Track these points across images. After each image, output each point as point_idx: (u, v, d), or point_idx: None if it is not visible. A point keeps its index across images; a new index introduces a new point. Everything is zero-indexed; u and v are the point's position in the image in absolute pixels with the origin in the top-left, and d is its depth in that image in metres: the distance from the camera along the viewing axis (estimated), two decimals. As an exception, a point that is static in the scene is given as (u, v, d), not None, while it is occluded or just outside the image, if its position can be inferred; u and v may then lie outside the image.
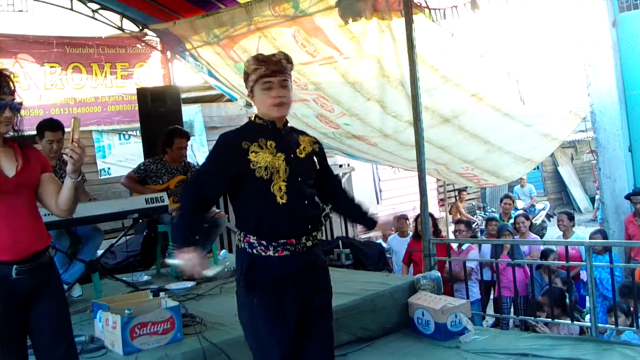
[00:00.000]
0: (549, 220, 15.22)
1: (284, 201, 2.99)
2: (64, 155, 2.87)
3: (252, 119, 3.15)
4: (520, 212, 13.32)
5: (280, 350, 2.98)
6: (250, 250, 3.02)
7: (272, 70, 3.00)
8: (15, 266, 2.81)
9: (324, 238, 8.70)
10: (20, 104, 2.89)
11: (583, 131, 9.78)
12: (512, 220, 9.99)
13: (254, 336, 3.07)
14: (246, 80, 3.09)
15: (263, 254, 3.00)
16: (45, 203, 3.05)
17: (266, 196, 2.98)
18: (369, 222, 3.45)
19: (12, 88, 2.85)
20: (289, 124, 3.21)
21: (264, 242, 2.99)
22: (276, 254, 2.99)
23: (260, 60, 3.03)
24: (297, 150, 3.13)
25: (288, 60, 3.09)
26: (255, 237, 3.01)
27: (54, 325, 2.94)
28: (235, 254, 3.16)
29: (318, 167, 3.18)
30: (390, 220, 3.35)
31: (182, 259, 2.92)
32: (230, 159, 3.02)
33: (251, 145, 3.01)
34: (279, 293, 2.99)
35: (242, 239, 3.06)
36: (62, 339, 2.98)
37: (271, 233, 2.99)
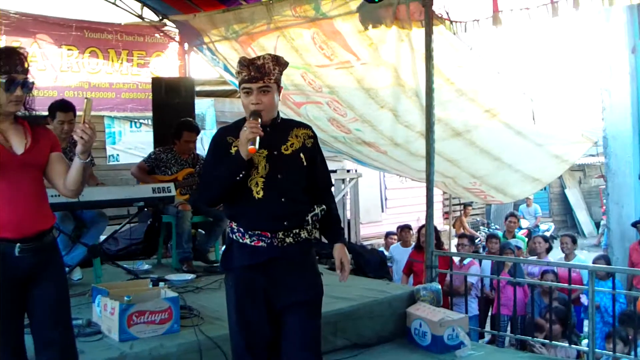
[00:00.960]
0: (552, 242, 15.17)
1: (259, 196, 3.06)
2: (74, 136, 2.81)
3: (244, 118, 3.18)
4: (524, 231, 13.34)
5: (242, 337, 3.08)
6: (231, 235, 3.16)
7: (251, 76, 3.02)
8: (18, 244, 2.81)
9: (320, 238, 8.65)
10: (32, 83, 2.88)
11: (593, 155, 9.77)
12: (515, 240, 9.97)
13: (228, 319, 3.18)
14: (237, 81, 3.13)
15: (240, 240, 3.10)
16: (53, 182, 3.04)
17: (243, 190, 3.06)
18: (332, 240, 3.35)
19: (26, 67, 2.85)
20: (280, 119, 3.21)
21: (242, 230, 3.10)
22: (252, 243, 3.08)
23: (243, 64, 3.05)
24: (283, 146, 3.14)
25: (277, 62, 3.10)
26: (235, 224, 3.14)
27: (52, 307, 2.92)
28: None
29: (305, 163, 3.16)
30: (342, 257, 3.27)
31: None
32: (218, 153, 3.15)
33: (235, 140, 3.07)
34: (250, 280, 3.07)
35: (228, 223, 3.20)
36: (59, 322, 2.95)
37: (247, 224, 3.09)
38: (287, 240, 3.09)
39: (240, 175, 3.00)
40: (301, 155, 3.15)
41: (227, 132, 3.17)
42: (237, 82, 3.11)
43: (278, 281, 3.09)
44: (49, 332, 2.91)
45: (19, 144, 2.88)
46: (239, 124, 3.10)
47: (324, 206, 3.24)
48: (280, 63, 3.10)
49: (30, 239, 2.84)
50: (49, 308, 2.91)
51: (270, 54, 3.13)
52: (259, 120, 2.99)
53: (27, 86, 2.84)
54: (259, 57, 3.07)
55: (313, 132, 3.31)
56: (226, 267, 3.19)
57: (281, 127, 3.19)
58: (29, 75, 2.88)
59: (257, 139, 2.92)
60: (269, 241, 3.06)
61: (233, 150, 3.07)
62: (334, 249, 3.30)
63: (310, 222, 3.16)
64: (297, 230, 3.12)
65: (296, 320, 3.11)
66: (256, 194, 3.06)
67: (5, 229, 2.79)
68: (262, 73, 3.02)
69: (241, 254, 3.10)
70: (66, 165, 3.02)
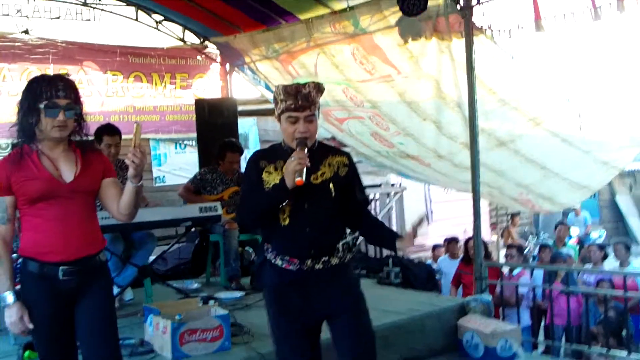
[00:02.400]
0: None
1: (285, 224, 3.09)
2: (125, 160, 2.84)
3: (278, 142, 3.23)
4: (575, 239, 13.08)
5: (283, 351, 3.15)
6: (265, 253, 3.19)
7: (298, 105, 3.02)
8: (61, 267, 2.85)
9: (367, 253, 8.60)
10: (78, 108, 2.88)
11: (643, 161, 9.55)
12: (566, 248, 9.79)
13: (271, 335, 3.23)
14: (275, 105, 3.12)
15: (273, 260, 3.14)
16: (107, 207, 3.07)
17: (273, 214, 3.11)
18: (389, 245, 3.39)
19: (69, 93, 2.85)
20: (317, 145, 3.19)
21: (274, 252, 3.14)
22: (282, 265, 3.11)
23: (289, 93, 3.03)
24: (313, 176, 3.11)
25: (319, 89, 3.10)
26: (268, 245, 3.18)
27: (95, 327, 2.94)
28: None
29: (334, 194, 3.13)
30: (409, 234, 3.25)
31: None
32: (252, 175, 3.18)
33: (268, 165, 3.13)
34: (283, 296, 3.12)
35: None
36: (104, 341, 2.96)
37: (276, 248, 3.14)
38: (317, 266, 3.10)
39: (284, 204, 3.05)
40: (331, 186, 3.13)
41: (261, 157, 3.21)
42: (277, 108, 3.09)
43: (310, 297, 3.10)
44: (94, 351, 2.94)
45: (68, 172, 2.91)
46: (275, 148, 3.19)
47: (357, 234, 3.28)
48: (320, 90, 3.12)
49: (75, 262, 2.87)
50: (92, 327, 2.93)
51: (313, 82, 3.12)
52: (306, 150, 3.01)
53: (71, 111, 2.84)
54: (304, 86, 3.05)
55: (349, 159, 3.28)
56: (260, 284, 3.31)
57: (316, 154, 3.15)
58: (77, 102, 2.88)
59: (304, 170, 2.94)
60: (297, 267, 3.09)
61: (265, 175, 3.11)
62: (399, 246, 3.30)
63: (341, 249, 3.16)
64: (327, 258, 3.12)
65: (340, 325, 3.14)
66: (282, 220, 3.09)
67: (51, 253, 2.84)
68: (309, 102, 3.04)
69: (272, 273, 3.14)
70: (119, 189, 3.05)
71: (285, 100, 3.03)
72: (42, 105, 2.79)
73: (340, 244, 3.16)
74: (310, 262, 3.08)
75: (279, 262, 3.11)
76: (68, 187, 2.88)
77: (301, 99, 3.02)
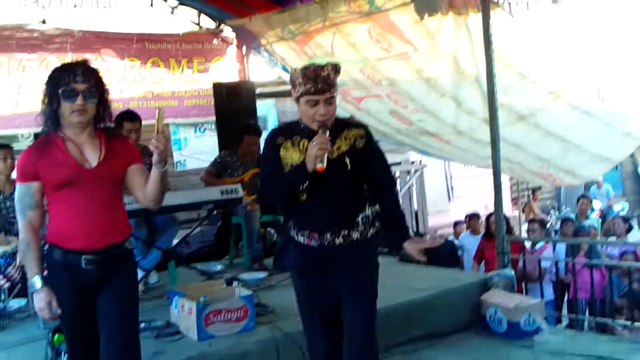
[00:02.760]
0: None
1: (303, 199, 3.13)
2: (149, 146, 2.82)
3: (294, 120, 3.25)
4: (597, 213, 12.99)
5: (310, 328, 3.29)
6: (289, 232, 3.26)
7: (318, 89, 3.02)
8: (84, 256, 2.86)
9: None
10: (94, 94, 2.87)
11: (665, 130, 9.42)
12: (588, 221, 9.74)
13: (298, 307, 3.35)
14: (292, 87, 3.12)
15: (295, 237, 3.22)
16: (134, 194, 3.08)
17: None
18: (397, 239, 3.28)
19: (87, 78, 2.84)
20: (335, 121, 3.17)
21: (295, 228, 3.21)
22: (304, 242, 3.18)
23: (308, 76, 3.02)
24: (334, 147, 3.12)
25: (336, 70, 3.09)
26: (291, 222, 3.25)
27: (115, 317, 2.93)
28: None
29: (349, 167, 3.12)
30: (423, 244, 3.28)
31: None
32: (270, 154, 3.22)
33: (285, 141, 3.16)
34: (306, 277, 3.24)
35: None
36: (120, 331, 2.94)
37: (297, 223, 3.21)
38: (337, 240, 3.14)
39: (304, 185, 3.09)
40: (346, 159, 3.13)
41: (278, 133, 3.23)
42: (295, 91, 3.09)
43: (330, 275, 3.17)
44: (109, 342, 2.92)
45: (92, 157, 2.91)
46: (292, 126, 3.21)
47: (377, 207, 3.24)
48: (338, 70, 3.11)
49: (98, 251, 2.88)
50: (112, 318, 2.93)
51: (330, 63, 3.11)
52: (327, 133, 3.02)
53: (91, 96, 2.85)
54: (322, 68, 3.04)
55: (367, 130, 3.27)
56: (282, 263, 3.41)
57: (334, 130, 3.15)
58: (98, 87, 2.89)
59: (325, 155, 2.97)
60: (318, 242, 3.15)
61: (282, 152, 3.15)
62: (406, 248, 3.24)
63: (360, 223, 3.17)
64: (347, 232, 3.14)
65: (348, 312, 3.18)
66: (301, 196, 3.13)
67: (74, 239, 2.86)
68: (328, 84, 3.04)
69: (295, 252, 3.22)
70: (146, 176, 3.03)
71: (305, 83, 3.02)
72: (60, 91, 2.81)
73: (360, 217, 3.17)
74: (330, 235, 3.12)
75: (300, 238, 3.18)
76: (92, 173, 2.89)
77: (320, 82, 3.02)
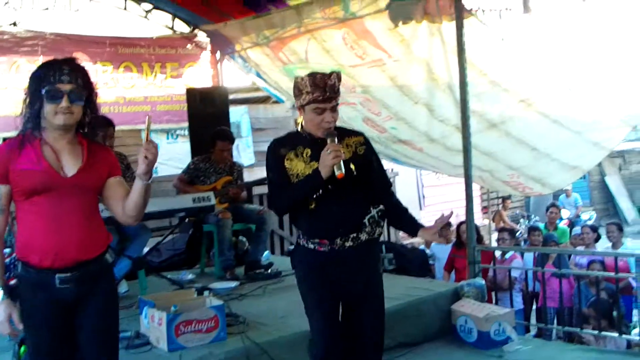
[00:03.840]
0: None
1: (312, 207, 3.20)
2: (138, 157, 2.63)
3: (298, 128, 3.31)
4: (566, 221, 13.13)
5: (319, 330, 3.30)
6: (298, 240, 3.38)
7: (326, 97, 3.10)
8: (57, 275, 2.64)
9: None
10: (81, 95, 2.67)
11: (632, 140, 9.57)
12: (559, 230, 9.82)
13: (305, 307, 3.39)
14: (297, 95, 3.18)
15: (305, 245, 3.31)
16: (112, 208, 2.85)
17: None
18: (411, 229, 3.45)
19: (74, 78, 2.64)
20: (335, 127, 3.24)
21: (305, 237, 3.31)
22: (315, 248, 3.26)
23: (317, 84, 3.09)
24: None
25: (339, 78, 3.18)
26: (299, 231, 3.37)
27: (97, 337, 2.76)
28: None
29: (355, 173, 3.19)
30: (434, 227, 3.33)
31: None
32: (275, 165, 3.27)
33: (288, 152, 3.24)
34: (317, 271, 3.28)
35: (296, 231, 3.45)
36: (104, 351, 2.80)
37: (306, 232, 3.30)
38: (347, 244, 3.22)
39: (319, 193, 3.15)
40: (351, 165, 3.19)
41: (280, 144, 3.30)
42: (301, 99, 3.15)
43: (340, 278, 3.25)
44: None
45: (71, 165, 2.70)
46: (293, 136, 3.31)
47: (381, 206, 3.34)
48: (340, 79, 3.19)
49: (72, 268, 2.66)
50: (94, 337, 2.76)
51: (334, 72, 3.19)
52: (336, 140, 3.09)
53: (77, 97, 2.64)
54: (329, 77, 3.13)
55: (365, 138, 3.39)
56: (294, 264, 3.43)
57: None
58: (86, 88, 2.70)
59: (341, 162, 3.03)
60: (329, 247, 3.22)
61: (287, 163, 3.22)
62: (420, 236, 3.40)
63: (367, 224, 3.26)
64: (355, 234, 3.23)
65: (361, 312, 3.30)
66: (309, 204, 3.20)
67: (46, 256, 2.63)
68: (334, 92, 3.13)
69: (306, 255, 3.30)
70: (126, 190, 2.83)
71: (313, 92, 3.09)
72: (44, 91, 2.60)
73: (367, 218, 3.26)
74: (340, 240, 3.21)
75: (310, 245, 3.27)
76: (69, 182, 2.67)
77: (328, 91, 3.10)
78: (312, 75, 3.12)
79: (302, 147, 3.22)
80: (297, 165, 3.21)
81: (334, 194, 3.17)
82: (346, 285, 3.27)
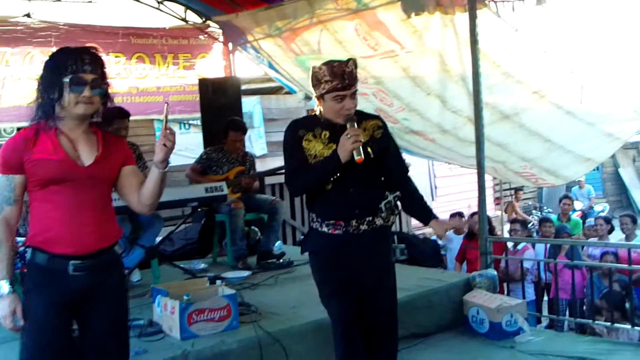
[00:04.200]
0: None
1: (329, 187, 3.24)
2: (157, 144, 2.63)
3: (315, 112, 3.33)
4: (579, 213, 13.08)
5: (338, 303, 3.29)
6: (311, 224, 3.39)
7: (345, 84, 3.12)
8: (72, 262, 2.61)
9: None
10: (101, 86, 2.63)
11: (647, 132, 9.49)
12: (572, 222, 9.78)
13: (320, 296, 3.40)
14: (315, 84, 3.21)
15: (319, 228, 3.33)
16: (127, 198, 2.83)
17: None
18: (423, 218, 3.48)
19: (96, 68, 2.62)
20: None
21: (319, 219, 3.32)
22: (329, 231, 3.28)
23: (335, 73, 3.12)
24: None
25: (356, 65, 3.21)
26: (313, 214, 3.37)
27: (105, 331, 2.70)
28: None
29: (372, 155, 3.22)
30: (447, 224, 3.38)
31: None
32: (293, 146, 3.31)
33: (307, 133, 3.27)
34: (325, 263, 3.33)
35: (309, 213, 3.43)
36: (113, 347, 2.74)
37: (321, 213, 3.31)
38: (362, 227, 3.25)
39: (336, 176, 3.16)
40: (368, 148, 3.21)
41: (299, 125, 3.34)
42: (320, 88, 3.18)
43: (354, 264, 3.28)
44: (102, 356, 2.71)
45: (88, 155, 2.67)
46: (311, 119, 3.34)
47: (397, 192, 3.37)
48: (357, 65, 3.22)
49: (87, 256, 2.64)
50: (102, 331, 2.70)
51: (351, 59, 3.21)
52: (356, 125, 3.12)
53: (98, 87, 2.61)
54: (346, 64, 3.15)
55: (382, 121, 3.43)
56: (307, 250, 3.44)
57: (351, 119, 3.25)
58: (104, 79, 2.66)
59: (360, 147, 3.07)
60: (344, 229, 3.25)
61: (305, 143, 3.26)
62: (431, 227, 3.42)
63: (384, 209, 3.29)
64: (371, 218, 3.26)
65: (376, 302, 3.33)
66: (326, 185, 3.23)
67: (61, 243, 2.60)
68: (353, 79, 3.16)
69: (319, 239, 3.32)
70: (140, 179, 2.81)
71: (332, 80, 3.12)
72: (66, 80, 2.55)
73: (383, 203, 3.29)
74: (356, 222, 3.24)
75: (325, 229, 3.29)
76: (86, 172, 2.64)
77: (347, 78, 3.13)
78: (330, 64, 3.15)
79: (321, 129, 3.26)
80: (315, 146, 3.24)
81: (352, 176, 3.20)
82: (360, 271, 3.28)
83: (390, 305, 3.40)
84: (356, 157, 3.06)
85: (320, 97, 3.22)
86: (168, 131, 2.63)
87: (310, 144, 3.26)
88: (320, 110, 3.30)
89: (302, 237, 3.55)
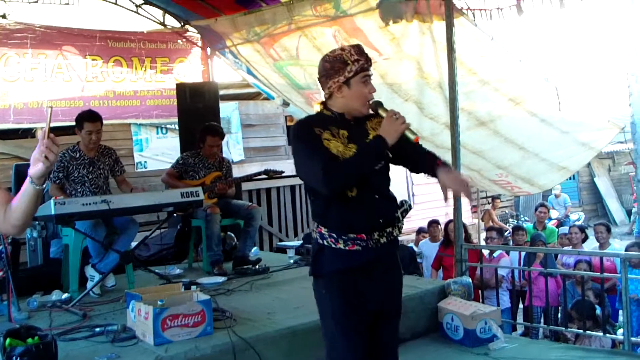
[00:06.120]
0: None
1: (353, 194, 2.87)
2: (34, 154, 2.18)
3: (320, 109, 3.04)
4: (554, 222, 13.20)
5: (349, 341, 2.88)
6: (321, 241, 2.94)
7: (368, 65, 2.93)
8: None
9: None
10: None
11: (622, 142, 9.61)
12: (548, 230, 9.86)
13: (324, 328, 3.00)
14: (339, 69, 2.91)
15: (333, 245, 2.90)
16: None
17: None
18: (430, 168, 3.03)
19: None
20: None
21: (334, 235, 2.90)
22: (346, 247, 2.88)
23: (362, 51, 2.92)
24: (367, 140, 2.95)
25: None
26: (325, 229, 2.93)
27: None
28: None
29: (390, 155, 2.95)
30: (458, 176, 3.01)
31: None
32: (314, 142, 2.89)
33: (323, 132, 2.91)
34: (346, 284, 2.89)
35: (314, 228, 2.99)
36: None
37: (340, 226, 2.89)
38: (382, 240, 2.91)
39: (380, 164, 2.93)
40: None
41: (312, 124, 2.96)
42: (345, 72, 2.89)
43: (373, 284, 2.94)
44: None
45: None
46: (321, 117, 2.99)
47: (409, 201, 3.08)
48: None
49: None
50: None
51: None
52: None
53: None
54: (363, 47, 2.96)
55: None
56: (317, 272, 2.98)
57: (361, 121, 3.02)
58: None
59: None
60: (364, 244, 2.88)
61: (325, 142, 2.87)
62: (440, 177, 2.94)
63: (400, 218, 2.99)
64: (390, 229, 2.95)
65: (386, 333, 3.03)
66: (349, 192, 2.87)
67: None
68: (370, 62, 2.96)
69: (335, 258, 2.90)
70: (7, 196, 2.38)
71: (359, 59, 2.89)
72: None
73: (400, 212, 2.99)
74: (377, 235, 2.89)
75: (341, 245, 2.88)
76: None
77: (370, 60, 2.94)
78: (353, 45, 2.96)
79: (336, 128, 2.92)
80: (336, 145, 2.87)
81: (376, 180, 2.93)
82: (378, 293, 2.94)
83: (395, 338, 3.13)
84: (412, 137, 2.80)
85: (343, 85, 2.91)
86: (50, 140, 2.17)
87: (330, 143, 2.87)
88: (323, 106, 3.03)
89: (309, 250, 3.11)
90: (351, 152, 2.87)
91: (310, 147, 2.90)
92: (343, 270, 2.89)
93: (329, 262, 2.92)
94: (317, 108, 3.08)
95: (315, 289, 3.02)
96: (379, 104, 2.93)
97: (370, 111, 2.98)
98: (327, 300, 2.93)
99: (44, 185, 2.25)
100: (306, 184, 3.04)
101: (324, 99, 3.06)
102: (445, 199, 2.96)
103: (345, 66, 2.89)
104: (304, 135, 2.93)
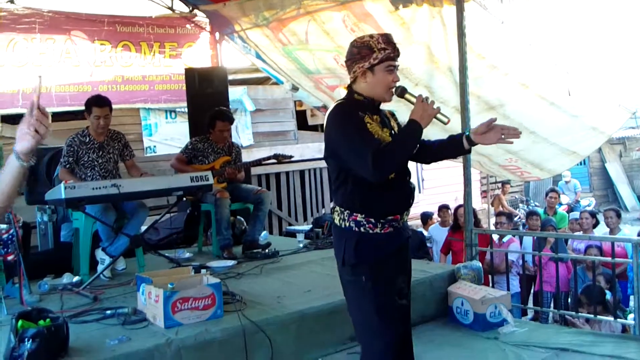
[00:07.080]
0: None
1: (392, 176, 2.95)
2: (24, 128, 1.93)
3: (350, 96, 3.09)
4: (565, 207, 13.16)
5: (392, 332, 2.95)
6: (357, 229, 2.97)
7: (395, 55, 2.99)
8: None
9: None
10: None
11: (633, 128, 9.57)
12: (558, 215, 9.83)
13: (362, 316, 3.01)
14: (365, 55, 2.96)
15: (370, 231, 2.96)
16: None
17: None
18: (458, 146, 3.28)
19: None
20: None
21: (372, 220, 2.95)
22: (382, 231, 2.96)
23: (389, 41, 2.97)
24: (392, 125, 3.13)
25: None
26: (363, 215, 2.96)
27: None
28: (334, 234, 3.12)
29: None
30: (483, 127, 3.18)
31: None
32: (361, 127, 2.95)
33: (364, 116, 2.97)
34: (386, 270, 2.95)
35: (345, 217, 3.00)
36: None
37: (381, 210, 2.96)
38: (405, 219, 3.07)
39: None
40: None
41: (354, 108, 2.99)
42: (371, 58, 2.95)
43: (405, 267, 3.07)
44: None
45: None
46: (355, 102, 3.03)
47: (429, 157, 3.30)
48: None
49: None
50: None
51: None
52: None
53: None
54: (392, 36, 3.01)
55: (392, 110, 3.31)
56: (359, 261, 2.96)
57: (378, 108, 3.13)
58: None
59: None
60: (397, 225, 3.00)
61: (368, 126, 2.94)
62: (476, 140, 3.23)
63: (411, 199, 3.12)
64: (407, 212, 3.09)
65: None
66: (390, 175, 2.95)
67: None
68: (398, 52, 3.01)
69: (375, 246, 2.96)
70: None
71: (386, 49, 2.95)
72: None
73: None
74: (405, 215, 3.04)
75: (378, 229, 2.95)
76: None
77: (397, 49, 2.99)
78: (381, 34, 2.99)
79: (370, 114, 3.00)
80: (377, 129, 2.96)
81: (404, 163, 3.06)
82: (408, 277, 3.08)
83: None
84: (445, 120, 2.91)
85: (368, 71, 2.97)
86: (40, 112, 1.94)
87: (372, 127, 2.95)
88: (351, 91, 3.07)
89: (345, 249, 2.99)
90: (386, 135, 2.97)
91: (357, 132, 2.92)
92: (381, 258, 2.95)
93: (370, 251, 2.95)
94: (341, 92, 3.15)
95: (351, 279, 3.01)
96: (404, 90, 3.01)
97: (394, 98, 3.06)
98: (371, 288, 2.94)
99: (32, 162, 2.02)
100: (347, 169, 2.99)
101: (349, 83, 3.12)
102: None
103: (372, 53, 2.95)
104: (348, 121, 2.95)
